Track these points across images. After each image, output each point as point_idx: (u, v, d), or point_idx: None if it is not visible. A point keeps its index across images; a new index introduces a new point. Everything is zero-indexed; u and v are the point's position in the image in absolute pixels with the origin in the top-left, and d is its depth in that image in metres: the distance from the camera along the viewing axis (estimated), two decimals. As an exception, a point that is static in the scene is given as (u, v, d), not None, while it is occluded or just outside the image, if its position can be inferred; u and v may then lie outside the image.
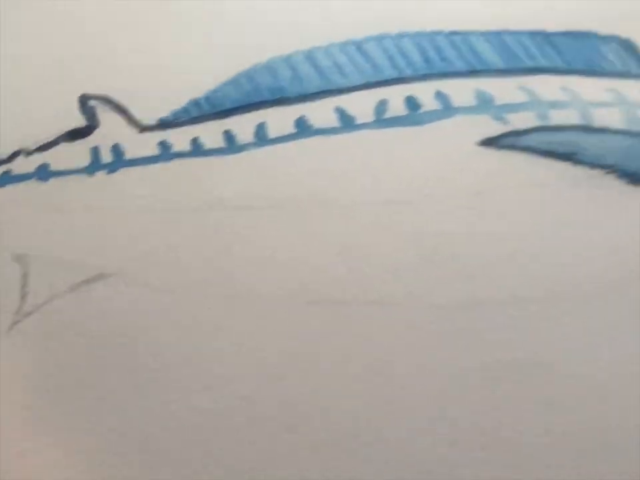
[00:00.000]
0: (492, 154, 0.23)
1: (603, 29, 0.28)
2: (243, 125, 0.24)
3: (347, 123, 0.24)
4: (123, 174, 0.23)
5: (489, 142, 0.23)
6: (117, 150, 0.23)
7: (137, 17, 0.26)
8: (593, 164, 0.22)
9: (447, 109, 0.25)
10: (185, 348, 0.19)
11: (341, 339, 0.19)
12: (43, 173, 0.24)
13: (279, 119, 0.24)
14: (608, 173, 0.22)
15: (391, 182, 0.22)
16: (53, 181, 0.23)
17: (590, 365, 0.18)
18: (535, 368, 0.18)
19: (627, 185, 0.22)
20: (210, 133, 0.24)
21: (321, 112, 0.25)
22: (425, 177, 0.22)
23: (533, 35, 0.28)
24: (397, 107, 0.25)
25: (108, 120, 0.24)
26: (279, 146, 0.24)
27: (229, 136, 0.24)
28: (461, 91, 0.26)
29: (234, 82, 0.26)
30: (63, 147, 0.24)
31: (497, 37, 0.28)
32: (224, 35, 0.27)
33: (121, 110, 0.24)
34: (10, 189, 0.24)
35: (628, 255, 0.20)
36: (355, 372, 0.18)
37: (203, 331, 0.19)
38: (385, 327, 0.19)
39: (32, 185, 0.24)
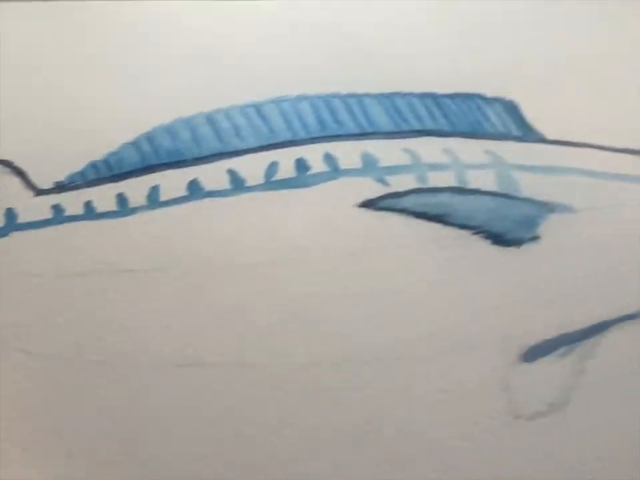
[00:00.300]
0: (370, 216, 0.24)
1: (489, 91, 0.30)
2: (136, 188, 0.25)
3: (237, 185, 0.25)
4: (14, 238, 0.23)
5: (369, 204, 0.24)
6: (10, 214, 0.24)
7: (39, 81, 0.27)
8: (462, 225, 0.24)
9: (333, 170, 0.26)
10: (57, 414, 0.19)
11: (209, 401, 0.19)
12: (-63, 237, 0.24)
13: (173, 182, 0.25)
14: (475, 233, 0.23)
15: (270, 244, 0.23)
16: (-55, 246, 0.24)
17: (445, 425, 0.19)
18: (390, 427, 0.19)
19: (492, 245, 0.23)
20: (103, 196, 0.24)
21: (214, 174, 0.25)
22: (303, 239, 0.23)
23: (423, 96, 0.30)
24: (286, 169, 0.26)
25: (5, 184, 0.25)
26: (170, 208, 0.24)
27: (121, 199, 0.24)
28: (349, 153, 0.27)
29: (134, 144, 0.26)
30: (-41, 211, 0.24)
31: (389, 99, 0.29)
32: (128, 97, 0.28)
33: (19, 173, 0.25)
34: None
35: (490, 315, 0.21)
36: (220, 435, 0.19)
37: (76, 396, 0.19)
38: (251, 387, 0.20)
39: None
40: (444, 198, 0.24)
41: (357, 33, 0.32)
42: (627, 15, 0.32)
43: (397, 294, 0.21)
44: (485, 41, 0.31)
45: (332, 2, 0.34)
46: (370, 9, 0.33)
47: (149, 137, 0.27)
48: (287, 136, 0.27)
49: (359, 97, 0.29)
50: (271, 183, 0.25)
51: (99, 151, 0.26)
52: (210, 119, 0.28)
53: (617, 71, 0.30)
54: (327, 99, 0.29)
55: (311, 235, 0.23)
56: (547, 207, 0.24)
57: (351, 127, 0.28)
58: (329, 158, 0.26)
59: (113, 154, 0.26)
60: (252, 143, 0.27)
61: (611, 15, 0.33)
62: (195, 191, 0.25)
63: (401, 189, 0.25)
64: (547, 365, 0.19)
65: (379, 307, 0.21)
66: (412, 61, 0.31)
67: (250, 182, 0.25)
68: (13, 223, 0.24)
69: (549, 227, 0.23)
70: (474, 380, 0.20)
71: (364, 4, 0.33)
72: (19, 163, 0.25)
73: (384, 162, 0.26)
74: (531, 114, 0.28)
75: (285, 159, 0.26)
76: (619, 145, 0.27)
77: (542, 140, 0.27)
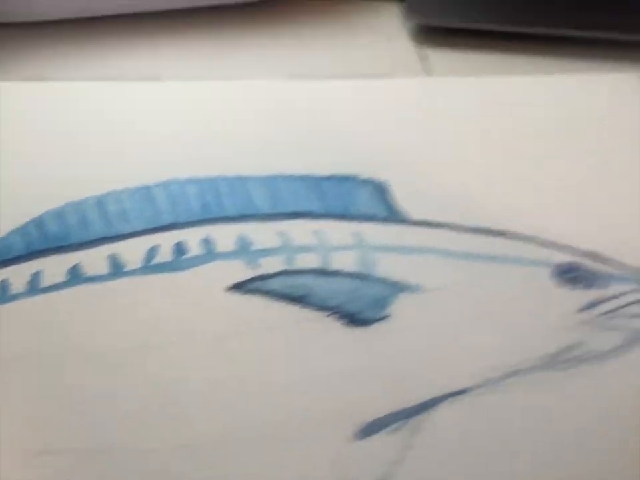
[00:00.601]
0: (239, 298, 0.26)
1: (364, 172, 0.32)
2: (19, 274, 0.26)
3: (116, 269, 0.27)
4: None
5: (238, 286, 0.26)
6: None
7: None
8: (320, 306, 0.25)
9: (209, 254, 0.28)
10: None
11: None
12: None
13: (56, 267, 0.26)
14: (331, 314, 0.25)
15: (143, 328, 0.24)
16: None
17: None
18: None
19: (345, 325, 0.25)
20: (-14, 283, 0.26)
21: (95, 259, 0.27)
22: (175, 323, 0.25)
23: (304, 179, 0.32)
24: (165, 253, 0.27)
25: None
26: (50, 295, 0.26)
27: (3, 286, 0.26)
28: (227, 236, 0.28)
29: (22, 230, 0.28)
30: None
31: (271, 182, 0.31)
32: (18, 183, 0.30)
33: None
34: None
35: (336, 395, 0.23)
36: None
37: None
38: (115, 474, 0.21)
39: None
40: (307, 280, 0.26)
41: (241, 119, 0.34)
42: (485, 101, 0.35)
43: (262, 377, 0.23)
44: (360, 123, 0.34)
45: (221, 87, 0.36)
46: (252, 97, 0.35)
47: (38, 222, 0.28)
48: (170, 219, 0.29)
49: (243, 180, 0.31)
50: (149, 267, 0.27)
51: (-14, 238, 0.27)
52: (100, 202, 0.29)
53: (477, 154, 0.33)
54: (214, 182, 0.31)
55: (182, 319, 0.25)
56: (398, 287, 0.26)
57: (232, 210, 0.30)
58: (206, 241, 0.28)
59: (0, 240, 0.27)
60: (137, 226, 0.29)
61: (470, 101, 0.37)
62: (75, 276, 0.26)
63: (269, 271, 0.27)
64: (379, 441, 0.21)
65: (245, 390, 0.23)
66: (293, 143, 0.33)
67: (129, 266, 0.27)
68: None
69: (399, 305, 0.25)
70: (315, 459, 0.21)
71: (247, 92, 0.36)
72: None
73: (257, 244, 0.28)
74: (400, 195, 0.31)
75: (166, 242, 0.28)
76: (474, 225, 0.29)
77: (406, 220, 0.29)
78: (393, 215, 0.30)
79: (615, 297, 0.26)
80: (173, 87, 0.37)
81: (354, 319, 0.25)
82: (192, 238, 0.28)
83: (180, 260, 0.27)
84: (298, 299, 0.26)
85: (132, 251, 0.27)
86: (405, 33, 0.47)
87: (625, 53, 0.41)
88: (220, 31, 0.45)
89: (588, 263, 0.27)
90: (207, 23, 0.46)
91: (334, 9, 0.49)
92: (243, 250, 0.28)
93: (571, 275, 0.27)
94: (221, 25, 0.45)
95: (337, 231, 0.29)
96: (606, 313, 0.25)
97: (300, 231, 0.29)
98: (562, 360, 0.24)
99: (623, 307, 0.25)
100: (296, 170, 0.32)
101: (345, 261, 0.27)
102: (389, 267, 0.27)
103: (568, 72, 0.42)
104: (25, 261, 0.27)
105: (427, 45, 0.46)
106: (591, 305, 0.25)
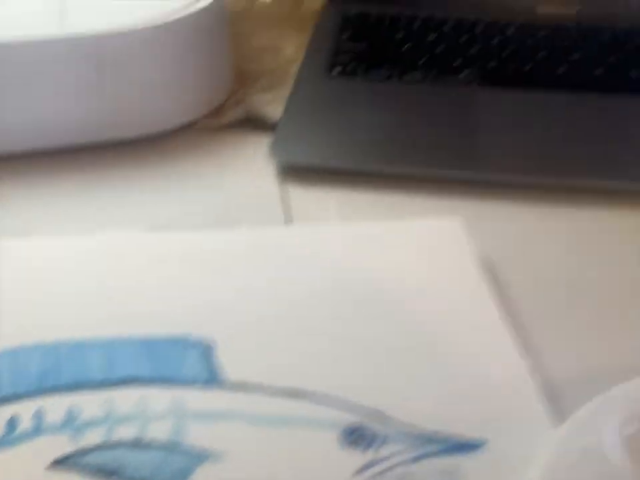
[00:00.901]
0: (57, 476, 0.29)
1: (196, 333, 0.35)
2: None
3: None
4: None
5: (58, 463, 0.29)
6: None
7: None
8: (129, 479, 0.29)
9: (37, 428, 0.30)
10: None
11: None
12: None
13: None
14: (136, 488, 0.28)
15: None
16: None
17: None
18: None
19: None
20: None
21: None
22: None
23: (140, 341, 0.35)
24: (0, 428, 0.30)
25: None
26: None
27: None
28: (57, 408, 0.31)
29: None
30: None
31: (109, 346, 0.34)
32: None
33: None
34: None
35: None
36: None
37: None
38: None
39: None
40: (120, 453, 0.29)
41: (86, 277, 0.37)
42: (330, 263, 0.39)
43: None
44: (198, 280, 0.37)
45: (64, 245, 0.39)
46: (99, 249, 0.38)
47: None
48: (9, 390, 0.32)
49: (82, 345, 0.34)
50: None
51: None
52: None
53: (302, 316, 0.36)
54: (55, 348, 0.34)
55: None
56: (202, 456, 0.29)
57: (67, 378, 0.33)
58: (37, 415, 0.31)
59: None
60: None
61: (316, 252, 0.40)
62: None
63: (90, 444, 0.30)
64: None
65: None
66: (135, 302, 0.36)
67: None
68: None
69: (199, 476, 0.29)
70: None
71: (93, 249, 0.39)
72: None
73: (84, 416, 0.31)
74: (224, 355, 0.34)
75: (1, 416, 0.31)
76: (282, 385, 0.32)
77: (224, 383, 0.33)
78: (213, 378, 0.33)
79: (386, 458, 0.29)
80: (17, 245, 0.39)
81: (166, 492, 0.28)
82: (25, 411, 0.31)
83: (10, 436, 0.30)
84: (109, 474, 0.29)
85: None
86: (270, 170, 0.51)
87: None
88: (75, 175, 0.46)
89: (371, 424, 0.31)
90: (63, 165, 0.47)
91: (200, 145, 0.52)
92: (70, 423, 0.31)
93: (354, 436, 0.30)
94: (77, 169, 0.47)
95: (159, 398, 0.32)
96: (377, 474, 0.29)
97: (125, 398, 0.32)
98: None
99: (392, 467, 0.29)
100: (134, 331, 0.35)
101: (160, 430, 0.30)
102: (197, 434, 0.30)
103: (418, 211, 0.46)
104: None
105: (291, 184, 0.49)
106: (365, 467, 0.29)
